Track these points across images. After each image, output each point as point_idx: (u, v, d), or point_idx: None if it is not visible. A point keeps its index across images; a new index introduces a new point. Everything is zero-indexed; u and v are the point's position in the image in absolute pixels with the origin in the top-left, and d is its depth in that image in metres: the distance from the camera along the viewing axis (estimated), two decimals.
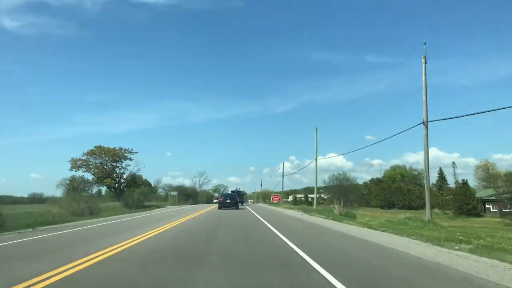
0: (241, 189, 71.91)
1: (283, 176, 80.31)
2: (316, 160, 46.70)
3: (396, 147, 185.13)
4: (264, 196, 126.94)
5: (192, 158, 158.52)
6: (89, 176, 53.76)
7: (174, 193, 72.81)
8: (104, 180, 50.52)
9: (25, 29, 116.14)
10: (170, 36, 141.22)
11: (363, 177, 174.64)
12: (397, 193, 79.27)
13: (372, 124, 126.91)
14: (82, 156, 52.39)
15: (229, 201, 38.78)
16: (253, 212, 31.80)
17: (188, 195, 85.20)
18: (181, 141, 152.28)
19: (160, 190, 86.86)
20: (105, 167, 51.68)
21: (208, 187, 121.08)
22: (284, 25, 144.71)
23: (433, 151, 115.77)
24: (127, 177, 56.31)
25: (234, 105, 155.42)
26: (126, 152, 53.77)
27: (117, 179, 53.55)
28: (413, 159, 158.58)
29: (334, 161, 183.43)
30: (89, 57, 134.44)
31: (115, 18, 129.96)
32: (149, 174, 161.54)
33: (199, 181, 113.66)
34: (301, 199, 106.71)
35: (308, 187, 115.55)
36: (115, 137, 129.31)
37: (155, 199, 67.43)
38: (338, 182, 32.13)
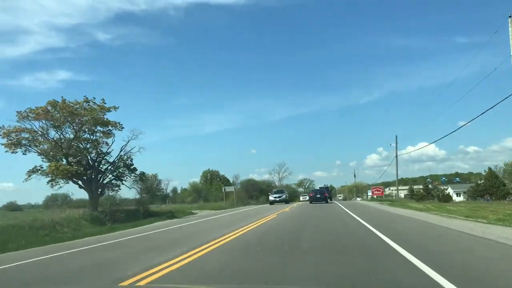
0: (328, 185, 73.03)
1: (396, 157, 50.94)
2: (396, 156, 39.55)
3: (493, 132, 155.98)
4: (358, 190, 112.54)
5: (276, 155, 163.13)
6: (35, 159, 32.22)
7: (231, 188, 53.54)
8: (57, 165, 21.70)
9: (115, 41, 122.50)
10: (248, 36, 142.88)
11: (458, 165, 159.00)
12: None
13: (466, 108, 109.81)
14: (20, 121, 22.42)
15: (319, 196, 41.99)
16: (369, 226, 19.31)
17: (261, 191, 73.04)
18: (264, 139, 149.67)
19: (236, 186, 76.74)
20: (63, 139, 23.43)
21: (290, 181, 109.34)
22: (360, 13, 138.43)
23: None
24: (117, 161, 25.88)
25: (315, 99, 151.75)
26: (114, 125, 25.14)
27: (92, 163, 24.66)
28: None
29: (426, 151, 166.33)
30: (174, 62, 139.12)
31: (197, 23, 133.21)
32: (229, 171, 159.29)
33: (279, 174, 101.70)
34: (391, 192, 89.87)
35: (402, 179, 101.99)
36: (201, 139, 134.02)
37: (213, 198, 57.55)
38: None
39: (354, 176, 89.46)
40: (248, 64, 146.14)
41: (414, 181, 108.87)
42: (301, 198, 73.75)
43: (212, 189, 76.43)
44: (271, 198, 45.98)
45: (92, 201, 23.09)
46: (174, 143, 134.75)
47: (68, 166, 21.56)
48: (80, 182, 23.64)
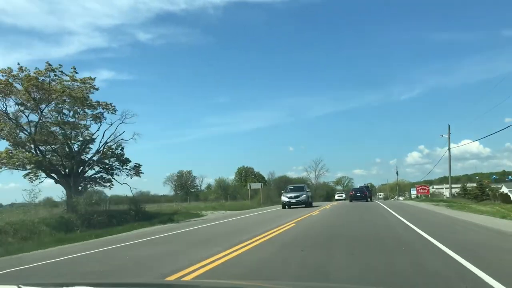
0: (368, 184, 76.08)
1: (449, 149, 43.81)
2: (449, 149, 38.81)
3: None
4: (400, 189, 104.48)
5: (314, 153, 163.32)
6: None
7: (257, 185, 47.09)
8: (10, 154, 17.10)
9: (156, 40, 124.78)
10: (286, 33, 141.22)
11: (504, 163, 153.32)
12: None
13: None
14: None
15: (359, 194, 42.47)
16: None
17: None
18: (301, 136, 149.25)
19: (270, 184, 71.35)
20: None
21: (327, 179, 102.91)
22: (402, 7, 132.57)
23: None
24: (102, 150, 20.98)
25: (354, 96, 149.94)
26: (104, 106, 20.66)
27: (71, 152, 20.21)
28: None
29: (469, 148, 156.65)
30: (212, 61, 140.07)
31: (235, 22, 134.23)
32: (266, 169, 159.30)
33: (315, 171, 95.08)
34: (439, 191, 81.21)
35: (445, 177, 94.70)
36: (238, 136, 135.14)
37: (242, 196, 51.86)
38: None
39: (397, 173, 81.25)
40: (286, 61, 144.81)
41: (458, 179, 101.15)
42: (336, 197, 68.02)
43: (241, 187, 71.77)
44: (284, 199, 31.44)
45: (69, 200, 18.25)
46: (212, 141, 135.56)
47: (31, 155, 16.76)
48: (55, 176, 18.92)
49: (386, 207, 25.70)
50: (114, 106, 20.45)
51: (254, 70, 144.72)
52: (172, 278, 5.78)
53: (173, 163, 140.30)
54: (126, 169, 21.32)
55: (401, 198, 75.16)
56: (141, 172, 22.14)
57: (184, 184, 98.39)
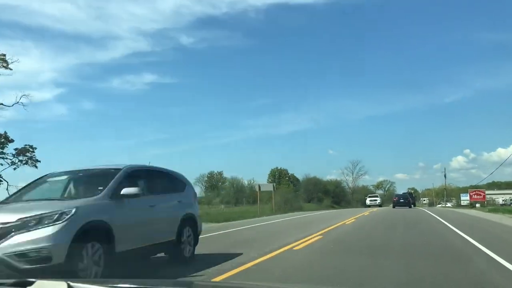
0: (411, 190, 76.81)
1: None
2: None
3: None
4: (448, 194, 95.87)
5: (354, 156, 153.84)
6: None
7: (268, 186, 36.65)
8: None
9: (198, 44, 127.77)
10: (327, 35, 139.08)
11: None
12: None
13: None
14: None
15: (402, 201, 43.52)
16: None
17: (326, 192, 60.80)
18: (342, 139, 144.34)
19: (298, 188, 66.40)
20: None
21: (366, 182, 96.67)
22: (447, 7, 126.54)
23: None
24: None
25: (396, 98, 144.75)
26: None
27: None
28: None
29: None
30: (253, 63, 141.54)
31: (276, 24, 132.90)
32: (301, 172, 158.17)
33: (352, 173, 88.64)
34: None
35: (494, 182, 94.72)
36: (280, 138, 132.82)
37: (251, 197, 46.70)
38: None
39: (445, 176, 73.18)
40: (327, 62, 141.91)
41: (508, 184, 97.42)
42: (368, 201, 58.10)
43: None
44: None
45: None
46: (250, 143, 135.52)
47: None
48: None
49: (441, 220, 19.76)
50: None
51: (294, 72, 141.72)
52: None
53: (208, 164, 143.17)
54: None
55: (449, 204, 67.62)
56: (37, 161, 16.06)
57: (215, 186, 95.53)
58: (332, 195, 60.65)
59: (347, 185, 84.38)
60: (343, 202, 65.91)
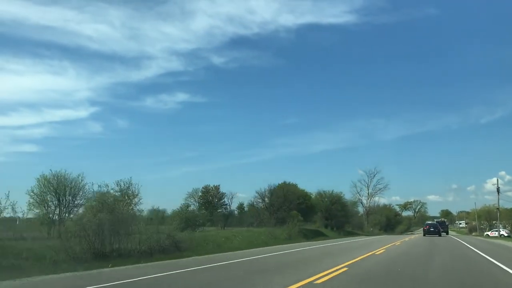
0: (443, 219, 74.94)
1: None
2: None
3: None
4: (491, 217, 78.12)
5: (386, 176, 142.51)
6: None
7: None
8: None
9: (229, 64, 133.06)
10: (358, 54, 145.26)
11: None
12: None
13: None
14: None
15: (432, 229, 46.25)
16: None
17: (346, 215, 44.70)
18: (372, 158, 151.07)
19: None
20: None
21: (388, 196, 80.00)
22: (482, 26, 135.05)
23: None
24: None
25: (429, 118, 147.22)
26: None
27: None
28: None
29: None
30: (283, 83, 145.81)
31: (307, 44, 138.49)
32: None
33: (367, 186, 71.10)
34: None
35: None
36: (308, 157, 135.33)
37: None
38: None
39: (498, 190, 55.07)
40: (358, 81, 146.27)
41: None
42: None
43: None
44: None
45: None
46: (281, 161, 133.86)
47: None
48: None
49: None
50: None
51: (324, 91, 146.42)
52: None
53: (233, 183, 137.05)
54: None
55: (504, 231, 49.62)
56: None
57: (210, 202, 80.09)
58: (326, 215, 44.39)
59: (361, 202, 67.58)
60: (347, 225, 49.43)
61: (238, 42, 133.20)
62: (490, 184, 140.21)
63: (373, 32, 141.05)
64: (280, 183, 44.00)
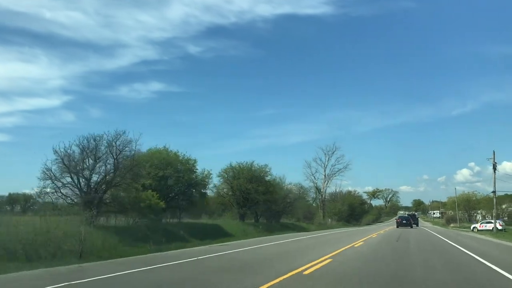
0: (414, 212, 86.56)
1: None
2: None
3: None
4: (471, 206, 67.64)
5: (360, 168, 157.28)
6: None
7: None
8: None
9: (205, 53, 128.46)
10: (335, 46, 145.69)
11: None
12: None
13: None
14: None
15: (405, 222, 48.92)
16: None
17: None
18: (348, 150, 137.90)
19: None
20: None
21: (360, 186, 69.77)
22: (456, 20, 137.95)
23: None
24: None
25: (403, 110, 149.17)
26: None
27: None
28: None
29: None
30: (260, 74, 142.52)
31: (284, 35, 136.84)
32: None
33: (324, 164, 57.41)
34: None
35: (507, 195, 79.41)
36: (285, 149, 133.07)
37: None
38: None
39: (494, 169, 41.56)
40: (335, 74, 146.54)
41: None
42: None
43: None
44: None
45: None
46: (256, 153, 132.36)
47: None
48: None
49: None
50: None
51: (301, 83, 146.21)
52: None
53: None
54: None
55: (497, 223, 36.49)
56: None
57: None
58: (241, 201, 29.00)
59: (316, 187, 53.81)
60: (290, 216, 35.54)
61: (214, 32, 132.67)
62: (460, 175, 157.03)
63: (350, 24, 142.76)
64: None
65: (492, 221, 39.54)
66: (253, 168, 29.08)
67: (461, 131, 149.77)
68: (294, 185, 42.53)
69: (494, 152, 34.57)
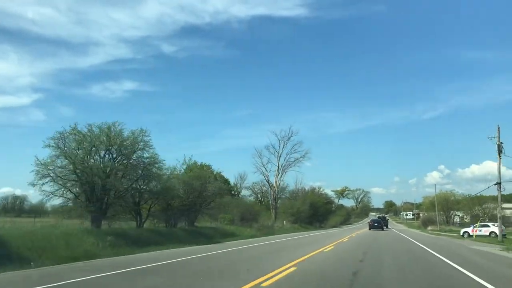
0: (384, 215, 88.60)
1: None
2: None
3: None
4: (449, 206, 59.72)
5: (333, 169, 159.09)
6: None
7: None
8: None
9: (180, 53, 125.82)
10: (310, 48, 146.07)
11: None
12: None
13: None
14: None
15: (377, 225, 50.49)
16: None
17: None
18: (322, 151, 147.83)
19: None
20: None
21: (332, 187, 61.85)
22: (428, 25, 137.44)
23: None
24: None
25: (377, 113, 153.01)
26: None
27: None
28: None
29: (492, 170, 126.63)
30: (235, 74, 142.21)
31: (259, 36, 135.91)
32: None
33: (278, 152, 47.49)
34: None
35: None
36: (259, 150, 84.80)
37: None
38: None
39: (499, 154, 31.35)
40: (309, 76, 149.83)
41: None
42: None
43: None
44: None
45: None
46: (231, 153, 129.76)
47: None
48: None
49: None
50: None
51: (276, 84, 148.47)
52: None
53: None
54: None
55: (493, 227, 26.55)
56: None
57: None
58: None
59: (268, 181, 43.44)
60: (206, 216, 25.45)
61: (189, 31, 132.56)
62: (431, 177, 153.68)
63: (324, 26, 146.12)
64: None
65: (489, 224, 30.26)
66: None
67: (431, 134, 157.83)
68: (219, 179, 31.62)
69: (498, 127, 24.77)
